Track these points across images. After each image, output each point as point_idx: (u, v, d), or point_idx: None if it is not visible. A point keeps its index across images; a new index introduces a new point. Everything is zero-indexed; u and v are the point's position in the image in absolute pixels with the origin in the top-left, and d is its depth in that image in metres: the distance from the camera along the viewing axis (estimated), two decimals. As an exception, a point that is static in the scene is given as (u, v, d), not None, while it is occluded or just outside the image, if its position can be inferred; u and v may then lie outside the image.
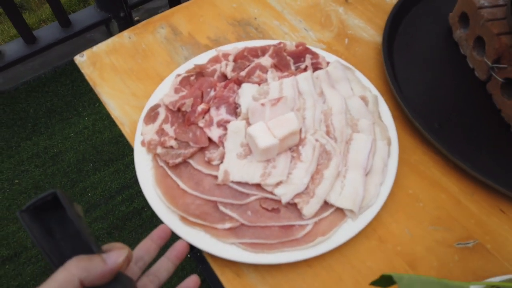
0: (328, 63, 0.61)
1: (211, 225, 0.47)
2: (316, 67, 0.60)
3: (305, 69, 0.60)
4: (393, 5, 0.68)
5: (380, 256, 0.47)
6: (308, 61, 0.60)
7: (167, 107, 0.56)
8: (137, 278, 0.38)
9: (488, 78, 0.60)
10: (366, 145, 0.51)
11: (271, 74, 0.58)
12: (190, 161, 0.51)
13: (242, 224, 0.47)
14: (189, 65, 0.61)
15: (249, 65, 0.59)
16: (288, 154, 0.51)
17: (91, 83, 0.62)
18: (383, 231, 0.49)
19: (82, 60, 0.65)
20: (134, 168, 0.52)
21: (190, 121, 0.54)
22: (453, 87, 0.62)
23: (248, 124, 0.52)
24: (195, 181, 0.50)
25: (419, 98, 0.60)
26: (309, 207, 0.47)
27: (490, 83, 0.60)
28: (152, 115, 0.55)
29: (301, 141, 0.52)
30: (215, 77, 0.59)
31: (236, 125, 0.52)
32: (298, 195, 0.48)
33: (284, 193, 0.48)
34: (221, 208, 0.48)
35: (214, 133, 0.53)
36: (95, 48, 0.66)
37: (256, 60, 0.60)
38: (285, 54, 0.61)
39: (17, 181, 1.41)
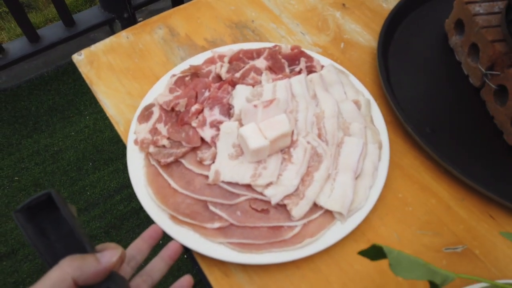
0: (322, 66, 0.61)
1: (201, 224, 0.48)
2: (310, 70, 0.61)
3: (299, 72, 0.60)
4: (390, 10, 0.69)
5: (368, 259, 0.47)
6: (302, 64, 0.60)
7: (161, 107, 0.56)
8: (130, 278, 0.38)
9: (482, 84, 0.61)
10: (357, 149, 0.52)
11: (265, 76, 0.59)
12: (182, 160, 0.52)
13: (231, 224, 0.48)
14: (184, 65, 0.61)
15: (244, 67, 0.60)
16: (279, 156, 0.51)
17: (87, 82, 0.63)
18: (372, 234, 0.49)
19: (80, 58, 0.65)
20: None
21: (183, 121, 0.54)
22: (448, 93, 0.62)
23: (241, 125, 0.53)
24: (186, 180, 0.51)
25: (412, 103, 0.60)
26: (299, 209, 0.48)
27: (484, 90, 0.60)
28: (146, 114, 0.56)
29: (292, 143, 0.52)
30: (210, 78, 0.59)
31: (228, 125, 0.53)
32: (287, 196, 0.49)
33: (274, 194, 0.48)
34: (211, 207, 0.49)
35: (207, 133, 0.53)
36: (93, 47, 0.67)
37: (251, 62, 0.61)
38: (280, 56, 0.61)
39: (17, 178, 1.42)
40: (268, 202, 0.48)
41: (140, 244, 0.40)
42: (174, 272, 1.21)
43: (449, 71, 0.65)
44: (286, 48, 0.62)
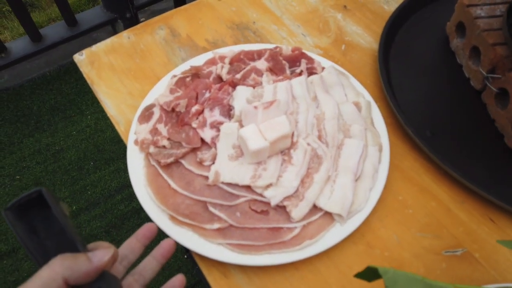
0: (323, 68, 0.61)
1: (200, 225, 0.48)
2: (311, 72, 0.61)
3: (300, 74, 0.60)
4: (391, 13, 0.69)
5: (368, 261, 0.47)
6: (303, 65, 0.60)
7: (161, 107, 0.56)
8: (122, 277, 0.38)
9: (483, 88, 0.61)
10: (357, 151, 0.52)
11: (266, 78, 0.59)
12: (182, 161, 0.52)
13: (231, 225, 0.48)
14: (185, 66, 0.61)
15: (244, 68, 0.60)
16: (279, 157, 0.51)
17: (88, 82, 0.63)
18: (371, 236, 0.49)
19: (81, 58, 0.66)
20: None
21: (183, 122, 0.54)
22: (448, 96, 0.62)
23: (241, 126, 0.53)
24: (186, 181, 0.51)
25: (413, 105, 0.60)
26: (298, 210, 0.48)
27: (485, 93, 0.60)
28: (146, 115, 0.56)
29: (293, 145, 0.52)
30: (211, 79, 0.59)
31: (228, 126, 0.53)
32: (287, 198, 0.49)
33: (274, 196, 0.48)
34: (211, 208, 0.49)
35: (207, 134, 0.53)
36: (94, 47, 0.67)
37: (252, 63, 0.61)
38: (280, 58, 0.61)
39: (18, 177, 1.42)
40: (268, 204, 0.48)
41: (134, 243, 0.40)
42: (174, 272, 1.20)
43: (450, 74, 0.65)
44: (287, 49, 0.62)
